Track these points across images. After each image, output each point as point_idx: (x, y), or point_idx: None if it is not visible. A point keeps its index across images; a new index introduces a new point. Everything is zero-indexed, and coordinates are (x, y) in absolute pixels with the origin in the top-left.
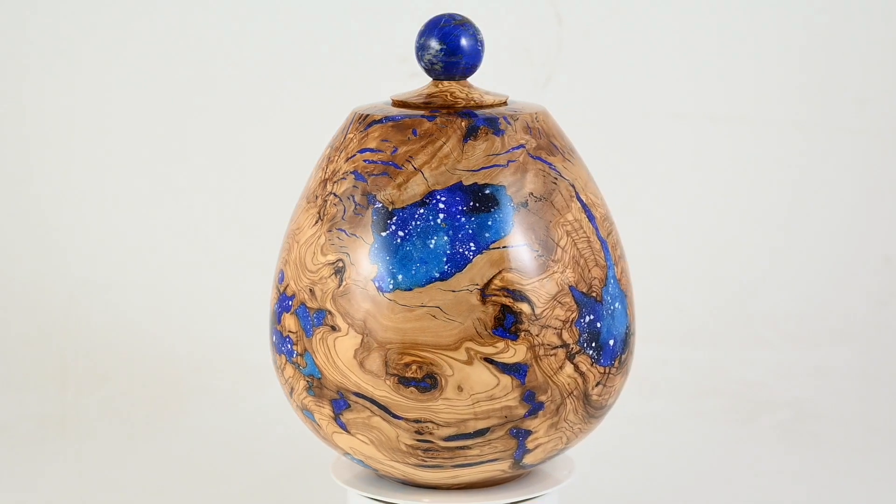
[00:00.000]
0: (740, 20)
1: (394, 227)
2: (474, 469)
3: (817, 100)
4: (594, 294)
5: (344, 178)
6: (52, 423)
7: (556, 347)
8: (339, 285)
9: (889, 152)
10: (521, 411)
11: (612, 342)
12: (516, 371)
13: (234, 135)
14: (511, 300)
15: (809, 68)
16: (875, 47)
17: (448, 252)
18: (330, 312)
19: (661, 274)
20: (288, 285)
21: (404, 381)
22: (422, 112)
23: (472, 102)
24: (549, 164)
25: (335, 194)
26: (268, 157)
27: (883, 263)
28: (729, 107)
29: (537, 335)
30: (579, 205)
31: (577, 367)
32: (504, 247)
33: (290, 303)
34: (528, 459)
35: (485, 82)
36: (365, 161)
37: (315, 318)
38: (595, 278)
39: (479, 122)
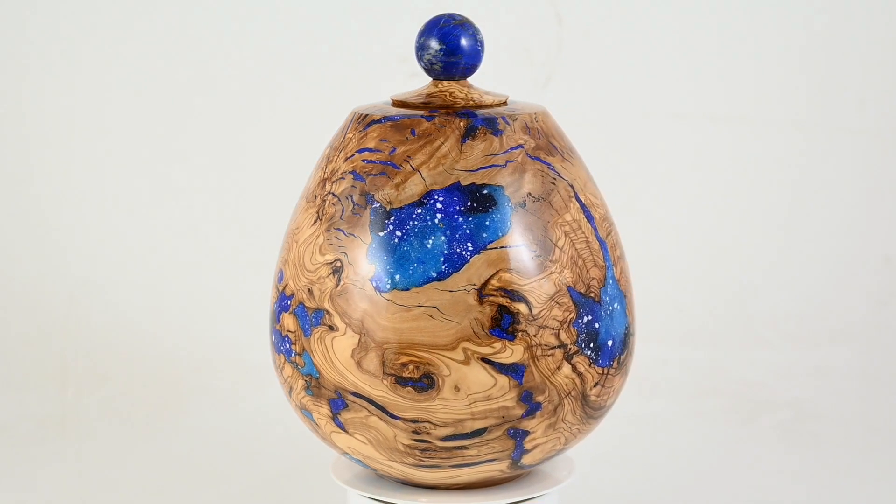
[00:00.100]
0: (740, 20)
1: (391, 227)
2: (472, 469)
3: (817, 100)
4: (592, 294)
5: (342, 178)
6: (52, 423)
7: (554, 348)
8: (337, 285)
9: (889, 152)
10: (519, 412)
11: (610, 343)
12: (513, 371)
13: (234, 135)
14: (508, 300)
15: (809, 68)
16: (875, 47)
17: (445, 252)
18: (328, 312)
19: (661, 274)
20: (287, 285)
21: (401, 381)
22: (421, 112)
23: (472, 102)
24: (548, 164)
25: (334, 194)
26: (268, 157)
27: (883, 263)
28: (729, 107)
29: (535, 335)
30: (578, 205)
31: (574, 368)
32: (502, 247)
33: (289, 302)
34: (526, 460)
35: (485, 82)
36: (363, 161)
37: (313, 318)
38: (593, 279)
39: (477, 122)
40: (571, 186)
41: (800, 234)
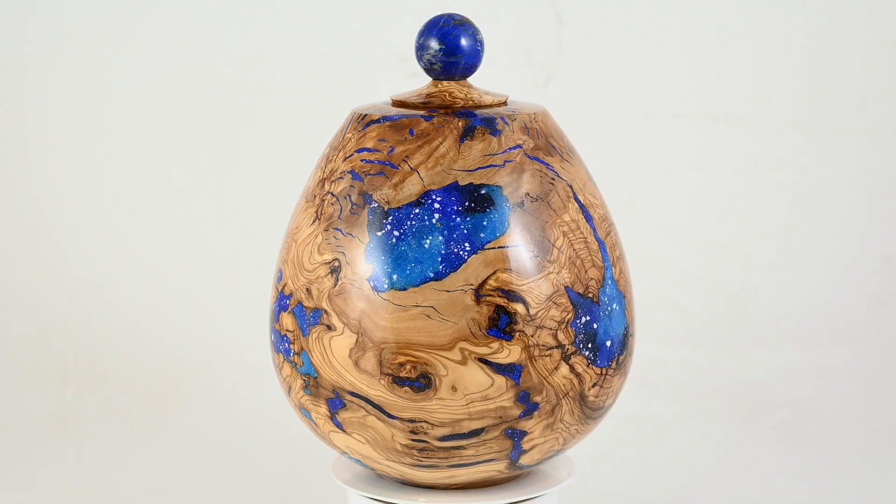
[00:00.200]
0: (740, 20)
1: (389, 227)
2: (470, 469)
3: (817, 100)
4: (591, 295)
5: (341, 178)
6: (52, 423)
7: (552, 348)
8: (335, 285)
9: (889, 152)
10: (516, 412)
11: (609, 343)
12: (510, 371)
13: (235, 135)
14: (506, 300)
15: (809, 68)
16: (875, 47)
17: (443, 252)
18: (326, 312)
19: (661, 274)
20: (286, 284)
21: (398, 381)
22: (420, 112)
23: (471, 102)
24: (547, 164)
25: (332, 194)
26: (268, 157)
27: (883, 263)
28: (729, 107)
29: (532, 336)
30: (577, 205)
31: (572, 368)
32: (499, 247)
33: (288, 302)
34: (524, 460)
35: (485, 82)
36: (362, 161)
37: (311, 318)
38: (592, 279)
39: (476, 122)
40: (570, 187)
41: (800, 234)
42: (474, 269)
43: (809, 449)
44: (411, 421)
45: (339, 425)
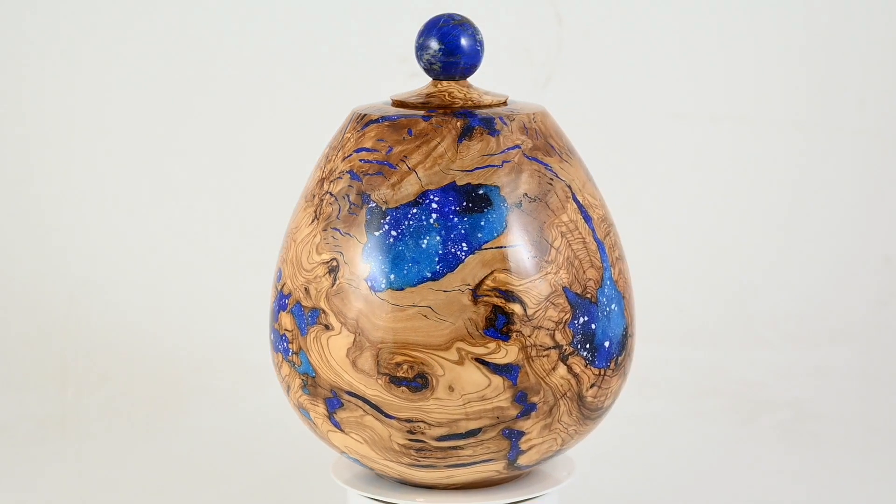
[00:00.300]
0: (740, 20)
1: (387, 227)
2: (468, 469)
3: (817, 100)
4: (589, 295)
5: (340, 178)
6: (52, 423)
7: (549, 348)
8: (333, 284)
9: (889, 152)
10: (513, 412)
11: (607, 344)
12: (508, 372)
13: (235, 135)
14: (503, 301)
15: (809, 68)
16: (875, 47)
17: (440, 252)
18: (323, 311)
19: (661, 274)
20: (285, 284)
21: (395, 381)
22: (419, 112)
23: (470, 102)
24: (546, 164)
25: (331, 193)
26: (268, 157)
27: (883, 263)
28: (729, 107)
29: (529, 336)
30: (575, 206)
31: (570, 369)
32: (497, 247)
33: (287, 301)
34: (522, 460)
35: (485, 82)
36: (361, 160)
37: (309, 317)
38: (590, 279)
39: (474, 122)
40: (569, 187)
41: (800, 234)
42: (471, 269)
43: (809, 449)
44: (408, 421)
45: (337, 425)
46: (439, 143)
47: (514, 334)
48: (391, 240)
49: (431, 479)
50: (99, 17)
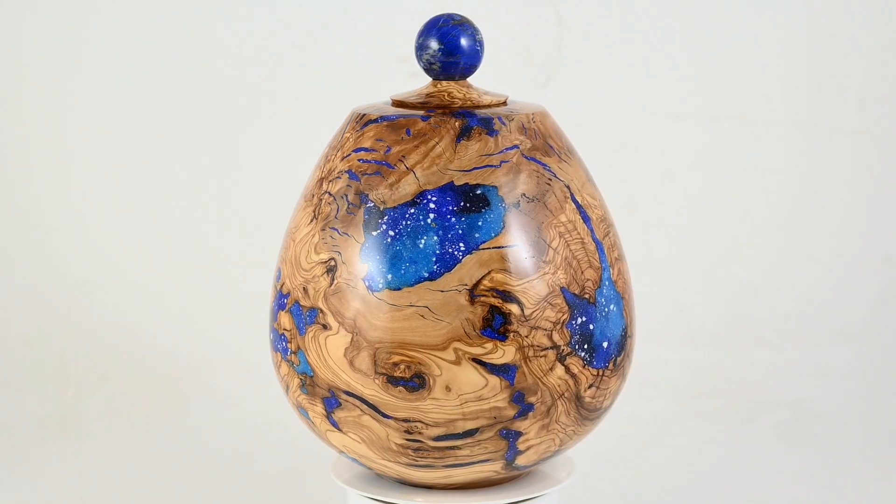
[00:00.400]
0: (741, 20)
1: (384, 227)
2: (466, 469)
3: (817, 100)
4: (587, 296)
5: (339, 178)
6: (52, 423)
7: (546, 349)
8: (331, 284)
9: (889, 152)
10: (511, 412)
11: (605, 344)
12: (505, 372)
13: (235, 135)
14: (500, 301)
15: (810, 68)
16: (875, 47)
17: (437, 252)
18: (321, 311)
19: (661, 274)
20: (284, 283)
21: (393, 381)
22: (418, 112)
23: (470, 103)
24: (544, 164)
25: (330, 193)
26: (268, 157)
27: (883, 263)
28: (729, 107)
29: (527, 336)
30: (574, 206)
31: (568, 369)
32: (494, 247)
33: (286, 301)
34: (520, 461)
35: (485, 82)
36: (359, 160)
37: (308, 317)
38: (588, 280)
39: (473, 122)
40: (568, 187)
41: (800, 234)
42: (469, 269)
43: (809, 449)
44: (406, 421)
45: (335, 424)
46: (437, 143)
47: (512, 334)
48: (389, 240)
49: (430, 479)
50: (99, 18)
